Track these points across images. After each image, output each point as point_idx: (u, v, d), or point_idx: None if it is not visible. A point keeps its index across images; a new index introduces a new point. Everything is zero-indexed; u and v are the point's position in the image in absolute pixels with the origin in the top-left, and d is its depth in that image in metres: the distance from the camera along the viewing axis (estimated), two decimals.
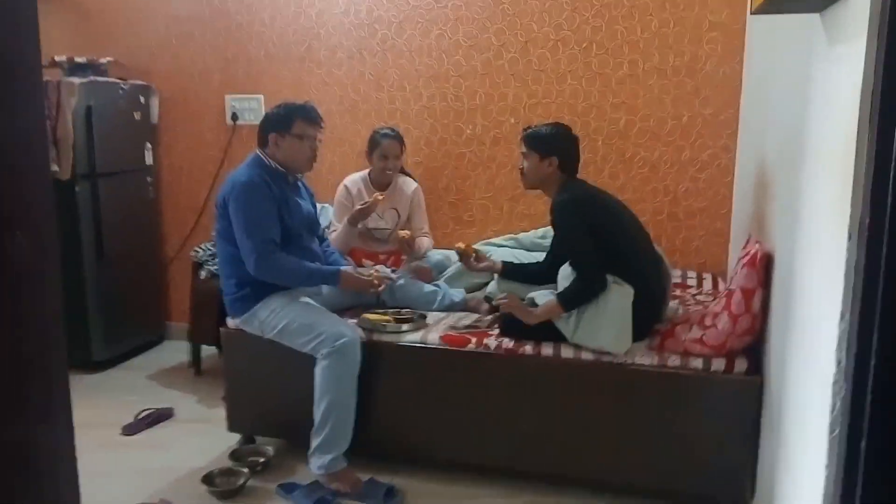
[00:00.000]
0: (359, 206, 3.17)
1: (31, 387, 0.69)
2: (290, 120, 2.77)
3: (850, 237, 1.42)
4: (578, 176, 2.80)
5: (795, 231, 1.95)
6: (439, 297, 3.13)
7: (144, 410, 3.34)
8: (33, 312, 0.68)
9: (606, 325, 2.51)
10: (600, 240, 2.58)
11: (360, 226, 3.26)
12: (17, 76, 0.67)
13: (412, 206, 3.47)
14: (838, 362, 1.45)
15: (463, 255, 2.99)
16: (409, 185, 3.50)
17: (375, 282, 2.81)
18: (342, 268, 2.83)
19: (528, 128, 2.80)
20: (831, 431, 1.47)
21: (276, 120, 2.79)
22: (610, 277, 2.55)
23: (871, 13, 1.35)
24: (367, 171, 3.46)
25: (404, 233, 3.24)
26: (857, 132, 1.41)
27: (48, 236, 0.70)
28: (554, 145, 2.70)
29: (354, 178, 3.44)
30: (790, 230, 2.02)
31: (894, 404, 1.38)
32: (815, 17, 1.81)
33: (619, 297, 2.52)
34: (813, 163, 1.82)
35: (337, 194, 3.43)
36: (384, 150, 3.34)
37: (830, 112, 1.67)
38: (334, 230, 3.33)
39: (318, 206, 3.57)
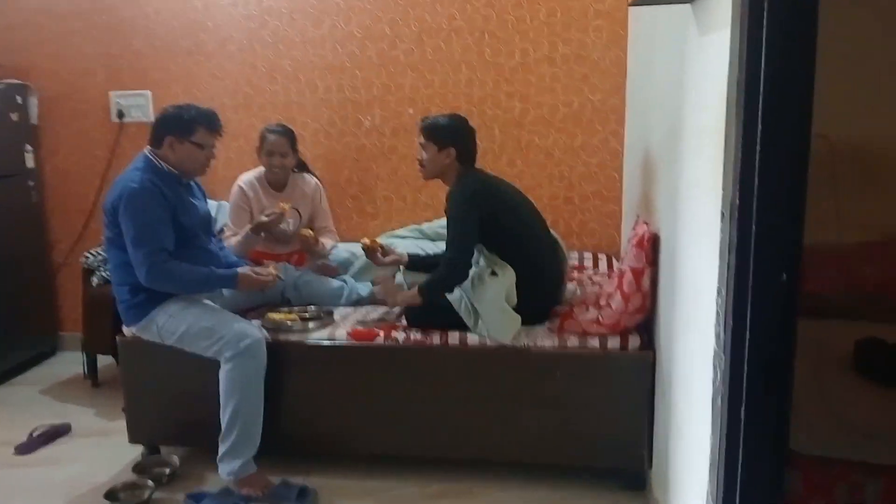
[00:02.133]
0: (264, 218, 3.01)
1: None
2: (192, 127, 2.65)
3: (722, 217, 1.51)
4: (478, 164, 2.84)
5: (677, 211, 2.06)
6: (346, 293, 3.11)
7: (39, 427, 3.17)
8: None
9: (488, 315, 2.58)
10: (493, 227, 2.65)
11: (262, 235, 3.10)
12: None
13: (314, 205, 3.37)
14: (717, 336, 1.54)
15: (368, 251, 2.99)
16: (309, 182, 3.39)
17: (273, 278, 2.75)
18: (239, 270, 2.73)
19: (426, 118, 2.82)
20: (714, 401, 1.56)
21: (175, 123, 2.66)
22: (487, 267, 2.63)
23: (733, 3, 1.44)
24: (261, 169, 3.30)
25: (307, 232, 3.16)
26: (726, 117, 1.49)
27: None
28: (451, 136, 2.73)
29: (249, 179, 3.27)
30: (672, 211, 2.13)
31: (768, 372, 1.48)
32: (687, 7, 1.90)
33: (497, 287, 2.58)
34: (689, 147, 1.92)
35: (232, 196, 3.24)
36: (270, 147, 3.18)
37: (702, 98, 1.76)
38: (231, 234, 3.17)
39: (215, 203, 3.46)
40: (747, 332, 1.47)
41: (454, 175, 2.75)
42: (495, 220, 2.65)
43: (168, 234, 2.60)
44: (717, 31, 1.60)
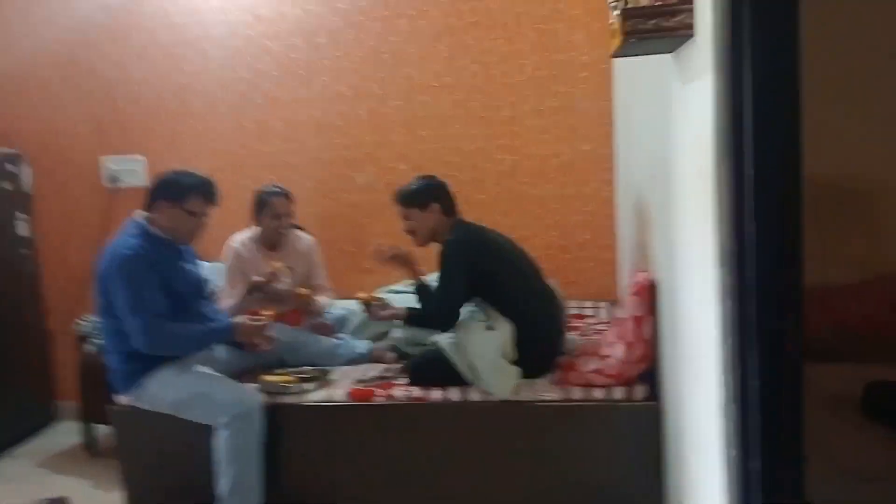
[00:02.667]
0: (258, 278, 3.02)
1: None
2: (186, 194, 2.65)
3: (720, 264, 1.50)
4: (472, 217, 2.86)
5: (672, 258, 2.05)
6: (343, 351, 3.08)
7: (35, 502, 3.08)
8: None
9: (486, 372, 2.56)
10: (485, 279, 2.66)
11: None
12: None
13: (309, 263, 3.37)
14: (726, 385, 1.51)
15: (366, 305, 2.95)
16: (304, 240, 3.40)
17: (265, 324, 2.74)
18: (235, 319, 2.71)
19: (398, 191, 2.86)
20: (728, 452, 1.52)
21: (169, 189, 2.66)
22: (483, 321, 2.63)
23: (713, 51, 1.45)
24: (255, 230, 3.31)
25: (302, 291, 3.16)
26: (714, 165, 1.49)
27: None
28: (429, 194, 2.79)
29: (243, 240, 3.28)
30: (668, 258, 2.12)
31: (780, 422, 1.45)
32: (668, 57, 1.93)
33: (493, 342, 2.57)
34: (681, 195, 1.92)
35: (227, 258, 3.24)
36: (276, 210, 3.21)
37: (689, 146, 1.77)
38: (227, 296, 3.15)
39: (206, 264, 3.44)
40: (757, 381, 1.44)
41: (446, 229, 2.76)
42: (485, 271, 2.66)
43: (161, 299, 2.57)
44: (699, 78, 1.61)
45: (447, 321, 2.68)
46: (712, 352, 1.59)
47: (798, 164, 1.40)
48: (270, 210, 3.21)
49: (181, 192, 2.65)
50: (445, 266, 2.67)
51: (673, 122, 1.99)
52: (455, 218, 2.80)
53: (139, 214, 2.70)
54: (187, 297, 2.69)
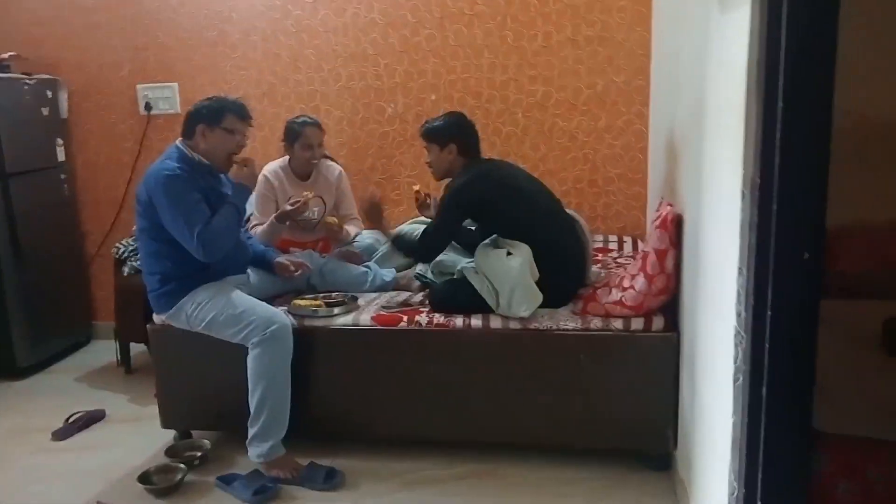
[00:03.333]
0: (289, 206, 3.07)
1: None
2: (222, 113, 2.71)
3: (743, 196, 1.50)
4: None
5: (700, 192, 2.05)
6: (370, 279, 3.14)
7: (75, 414, 3.25)
8: None
9: (509, 291, 2.60)
10: (495, 215, 2.76)
11: (286, 223, 3.16)
12: None
13: (338, 192, 3.42)
14: (738, 314, 1.54)
15: (418, 198, 3.14)
16: (333, 170, 3.44)
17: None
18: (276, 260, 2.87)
19: (425, 123, 2.93)
20: (735, 380, 1.56)
21: (206, 112, 2.72)
22: (503, 249, 2.67)
23: None
24: (285, 158, 3.35)
25: (331, 219, 3.21)
26: (746, 97, 1.48)
27: None
28: (449, 133, 2.84)
29: (274, 168, 3.33)
30: (695, 191, 2.11)
31: (790, 352, 1.48)
32: None
33: (515, 263, 2.60)
34: (712, 127, 1.90)
35: (257, 185, 3.27)
36: (308, 139, 3.24)
37: (725, 78, 1.74)
38: (257, 223, 3.22)
39: None
40: (768, 311, 1.46)
41: (460, 169, 2.83)
42: (501, 207, 2.73)
43: (206, 211, 2.65)
44: (738, 8, 1.58)
45: (427, 253, 2.90)
46: (730, 284, 1.60)
47: (829, 102, 1.38)
48: (303, 140, 3.25)
49: (217, 113, 2.71)
50: (443, 206, 2.80)
51: (709, 54, 1.95)
52: (471, 158, 2.84)
53: (179, 141, 2.76)
54: None
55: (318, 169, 3.37)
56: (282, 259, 2.97)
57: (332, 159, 3.49)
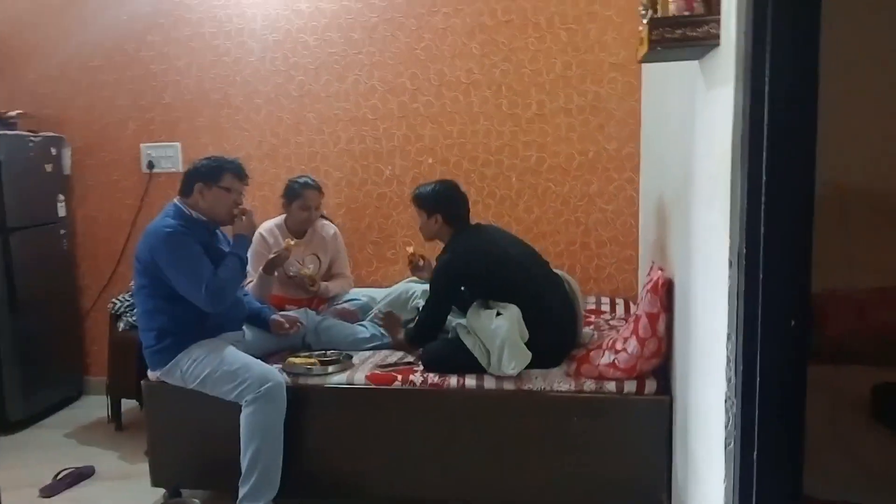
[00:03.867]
0: (271, 255, 3.15)
1: None
2: (220, 172, 2.81)
3: (730, 265, 1.56)
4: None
5: (689, 258, 2.11)
6: (366, 336, 3.16)
7: (64, 470, 3.22)
8: None
9: (499, 350, 2.63)
10: (485, 286, 2.83)
11: (277, 273, 3.21)
12: None
13: (332, 251, 3.50)
14: (728, 380, 1.57)
15: (412, 260, 3.22)
16: (328, 229, 3.51)
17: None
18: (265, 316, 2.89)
19: (416, 189, 3.02)
20: (726, 445, 1.58)
21: (205, 171, 2.82)
22: (492, 310, 2.73)
23: (736, 60, 1.51)
24: (282, 217, 3.44)
25: (304, 271, 3.30)
26: (731, 169, 1.55)
27: None
28: (436, 203, 2.92)
29: (269, 227, 3.41)
30: (685, 257, 2.17)
31: (780, 416, 1.51)
32: (695, 63, 1.98)
33: (504, 322, 2.64)
34: (700, 196, 1.97)
35: (253, 243, 3.33)
36: (306, 201, 3.34)
37: (710, 149, 1.82)
38: (250, 280, 3.26)
39: None
40: (758, 378, 1.50)
41: (446, 237, 2.93)
42: (489, 278, 2.81)
43: (208, 264, 2.72)
44: (723, 86, 1.66)
45: (423, 338, 2.89)
46: (720, 349, 1.64)
47: (812, 173, 1.45)
48: (301, 201, 3.34)
49: (216, 173, 2.80)
50: (434, 287, 2.89)
51: (696, 126, 2.04)
52: (457, 228, 2.91)
53: (177, 199, 2.82)
54: None
55: (314, 227, 3.44)
56: (276, 316, 3.01)
57: (327, 219, 3.57)
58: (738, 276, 1.51)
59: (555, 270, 2.97)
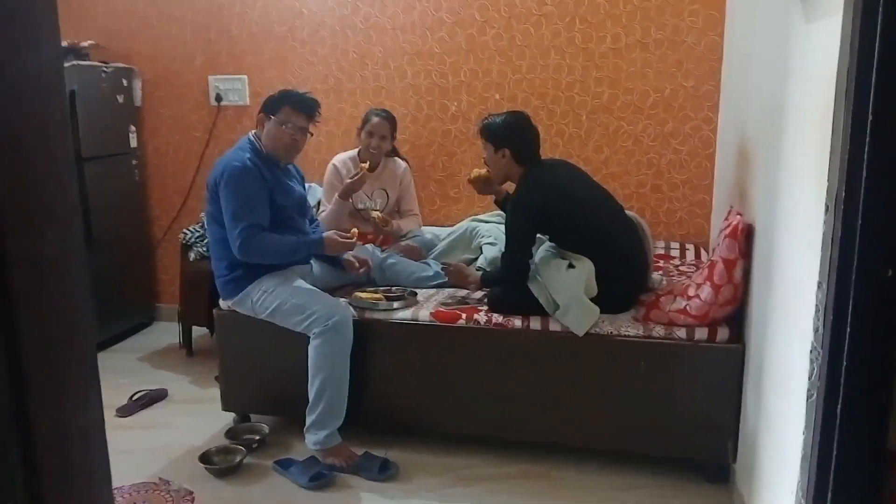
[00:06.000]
0: (348, 180, 3.18)
1: (69, 372, 0.73)
2: (279, 105, 2.77)
3: (826, 209, 1.48)
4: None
5: (775, 202, 2.01)
6: (429, 274, 3.17)
7: (138, 392, 3.37)
8: (66, 304, 0.72)
9: (566, 307, 2.59)
10: (557, 226, 2.73)
11: (350, 201, 3.26)
12: (41, 61, 0.69)
13: (402, 187, 3.50)
14: (815, 330, 1.51)
15: (481, 181, 2.96)
16: (399, 165, 3.52)
17: (357, 241, 2.89)
18: (325, 234, 2.84)
19: (484, 118, 2.85)
20: (808, 396, 1.53)
21: (269, 102, 2.81)
22: (565, 260, 2.65)
23: None
24: (356, 149, 3.46)
25: (376, 214, 3.30)
26: (834, 108, 1.45)
27: (74, 228, 0.73)
28: (504, 137, 2.75)
29: (343, 158, 3.45)
30: (770, 201, 2.07)
31: (868, 370, 1.45)
32: None
33: (574, 279, 2.59)
34: (792, 136, 1.86)
35: (326, 174, 3.43)
36: (371, 128, 3.34)
37: (808, 87, 1.71)
38: (323, 210, 3.32)
39: (307, 185, 3.59)
40: (848, 328, 1.44)
41: (516, 175, 2.78)
42: (561, 218, 2.69)
43: (265, 211, 2.71)
44: (827, 17, 1.55)
45: (517, 280, 2.72)
46: (807, 298, 1.57)
47: None
48: (368, 127, 3.36)
49: (275, 104, 2.78)
50: (509, 228, 2.74)
51: (791, 61, 1.91)
52: (528, 166, 2.76)
53: (252, 133, 2.83)
54: (289, 213, 2.83)
55: (386, 162, 3.46)
56: (349, 256, 2.97)
57: (400, 157, 3.57)
58: (835, 221, 1.43)
59: (627, 213, 2.88)
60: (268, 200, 2.73)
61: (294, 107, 2.78)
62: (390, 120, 3.40)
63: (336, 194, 3.22)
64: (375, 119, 3.35)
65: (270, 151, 2.80)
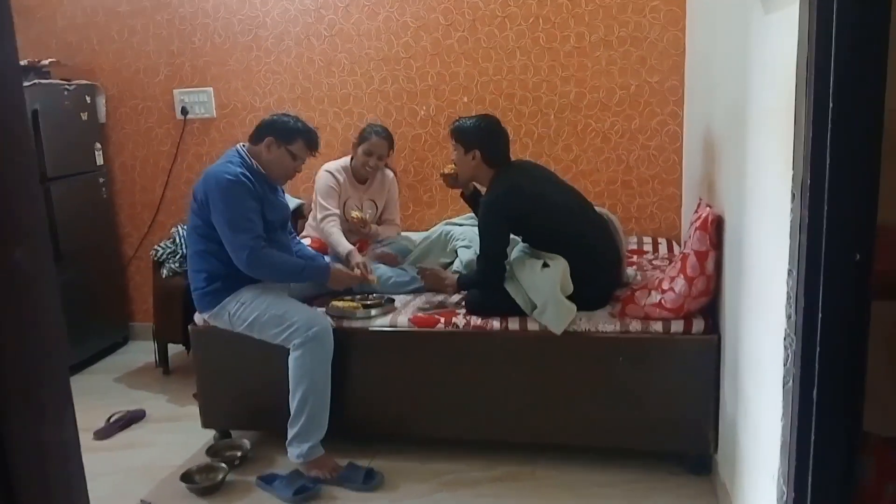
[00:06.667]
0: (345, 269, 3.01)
1: (42, 389, 0.72)
2: (295, 136, 2.77)
3: (793, 197, 1.50)
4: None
5: (743, 193, 2.04)
6: (406, 279, 3.16)
7: (115, 413, 3.31)
8: (38, 320, 0.71)
9: (543, 306, 2.60)
10: (533, 226, 2.74)
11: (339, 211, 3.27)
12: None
13: (388, 196, 3.50)
14: (788, 317, 1.53)
15: (449, 178, 2.97)
16: (388, 175, 3.52)
17: (360, 274, 2.90)
18: (333, 265, 2.89)
19: (455, 121, 2.87)
20: (784, 383, 1.55)
21: (281, 128, 2.77)
22: (539, 260, 2.66)
23: None
24: (347, 158, 3.42)
25: (355, 214, 3.29)
26: (795, 97, 1.47)
27: (43, 243, 0.72)
28: (475, 139, 2.77)
29: (336, 166, 3.39)
30: (738, 192, 2.10)
31: (841, 354, 1.47)
32: None
33: (549, 278, 2.60)
34: (756, 127, 1.89)
35: (322, 179, 3.33)
36: (371, 147, 3.30)
37: (769, 77, 1.74)
38: (326, 216, 3.24)
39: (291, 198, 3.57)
40: (819, 314, 1.46)
41: (486, 178, 2.80)
42: (534, 220, 2.72)
43: (260, 223, 2.70)
44: (784, 8, 1.57)
45: (494, 281, 2.73)
46: (777, 286, 1.59)
47: (881, 101, 1.38)
48: (367, 146, 3.31)
49: (290, 134, 2.76)
50: (483, 230, 2.75)
51: (750, 53, 1.94)
52: (498, 167, 2.78)
53: (242, 145, 2.81)
54: (273, 227, 2.81)
55: (376, 175, 3.45)
56: (338, 267, 2.93)
57: (390, 168, 3.57)
58: (802, 208, 1.45)
59: (597, 209, 2.90)
60: (260, 214, 2.71)
61: (308, 144, 2.80)
62: (389, 140, 3.36)
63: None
64: (376, 139, 3.31)
65: (268, 172, 2.79)
